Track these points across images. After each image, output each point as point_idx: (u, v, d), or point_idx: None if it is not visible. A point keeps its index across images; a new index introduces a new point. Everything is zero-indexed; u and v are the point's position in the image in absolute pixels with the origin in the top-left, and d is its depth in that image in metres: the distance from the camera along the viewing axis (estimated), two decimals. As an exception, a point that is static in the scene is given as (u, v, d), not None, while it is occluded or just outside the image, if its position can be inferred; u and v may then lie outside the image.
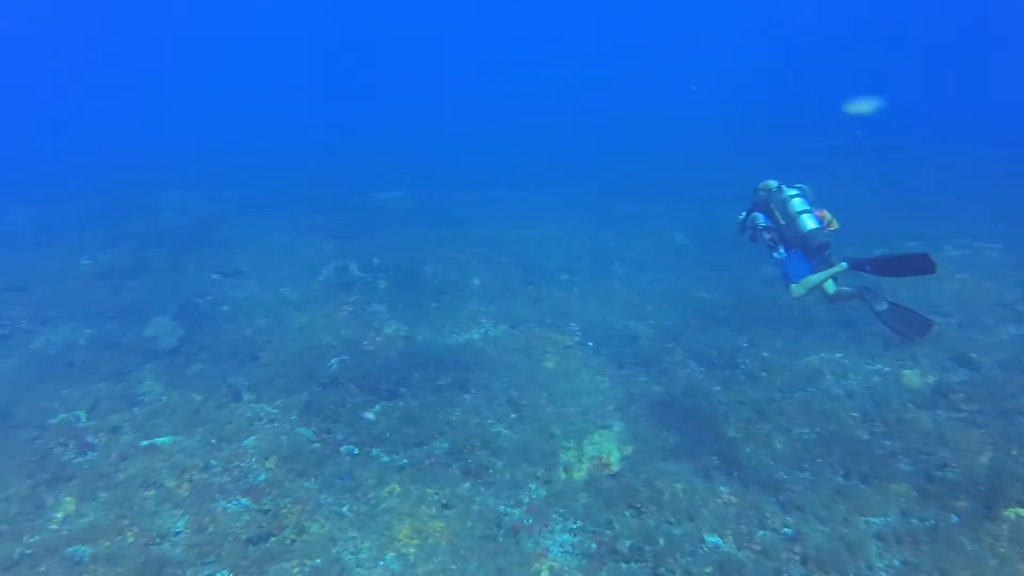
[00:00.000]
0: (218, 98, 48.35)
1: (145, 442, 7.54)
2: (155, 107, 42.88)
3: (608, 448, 7.71)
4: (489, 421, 8.33)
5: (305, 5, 71.96)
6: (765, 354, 10.07)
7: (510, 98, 48.20)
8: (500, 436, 8.02)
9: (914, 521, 6.32)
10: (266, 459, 7.23)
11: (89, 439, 7.69)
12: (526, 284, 13.14)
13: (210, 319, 11.69)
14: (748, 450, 7.75)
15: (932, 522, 6.25)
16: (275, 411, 8.35)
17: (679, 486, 7.00)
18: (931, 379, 8.92)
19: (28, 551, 5.96)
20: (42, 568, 5.75)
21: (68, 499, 6.63)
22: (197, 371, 9.71)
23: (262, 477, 6.97)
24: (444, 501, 6.78)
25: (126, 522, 6.28)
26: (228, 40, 70.20)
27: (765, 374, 9.50)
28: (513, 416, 8.49)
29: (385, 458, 7.47)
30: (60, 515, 6.45)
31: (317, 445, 7.56)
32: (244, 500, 6.62)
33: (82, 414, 8.33)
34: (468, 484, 7.11)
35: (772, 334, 10.88)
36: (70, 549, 5.95)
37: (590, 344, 10.53)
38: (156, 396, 8.87)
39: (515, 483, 7.22)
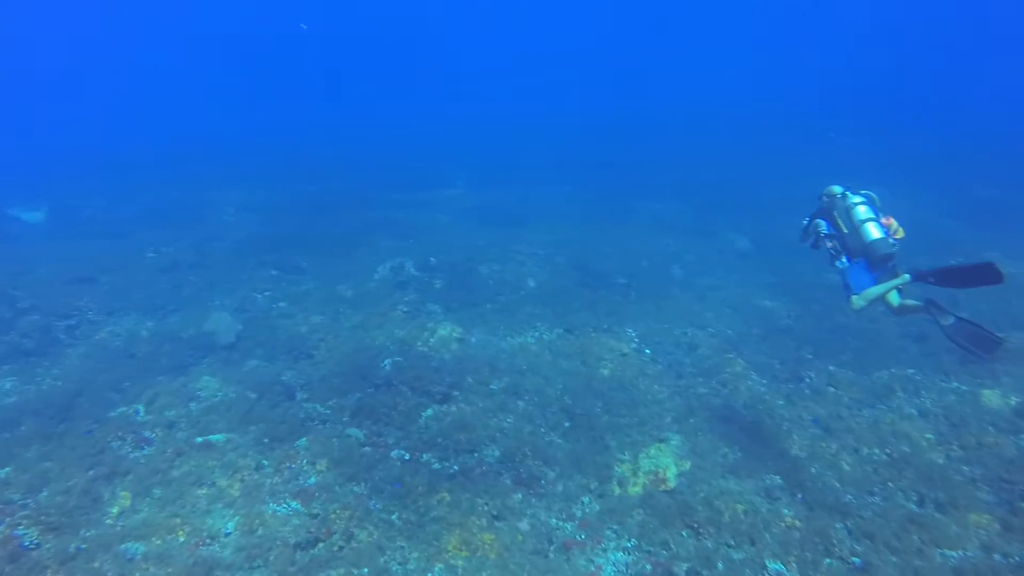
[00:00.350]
0: (279, 98, 49.06)
1: (200, 439, 7.58)
2: (228, 105, 43.75)
3: (665, 463, 7.43)
4: (542, 429, 8.14)
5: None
6: (831, 367, 9.64)
7: (557, 93, 47.64)
8: (553, 445, 7.83)
9: (997, 557, 5.89)
10: (317, 461, 7.18)
11: (146, 434, 7.78)
12: (582, 287, 12.89)
13: (267, 315, 11.79)
14: (813, 470, 7.39)
15: (1017, 559, 5.82)
16: (328, 412, 8.32)
17: (740, 507, 6.69)
18: (1013, 400, 8.37)
19: (84, 546, 6.03)
20: (96, 564, 5.80)
21: (123, 494, 6.70)
22: (252, 368, 9.77)
23: (312, 480, 6.93)
24: (495, 512, 6.62)
25: (178, 520, 6.30)
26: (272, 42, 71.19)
27: (832, 389, 9.08)
28: (567, 424, 8.28)
29: (436, 464, 7.34)
30: (115, 510, 6.52)
31: (368, 449, 7.49)
32: (294, 503, 6.57)
33: (141, 408, 8.45)
34: (519, 495, 6.93)
35: (839, 346, 10.42)
36: (123, 546, 6.00)
37: (647, 352, 10.23)
38: (212, 392, 8.93)
39: (567, 496, 7.02)
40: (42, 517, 6.38)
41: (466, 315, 11.47)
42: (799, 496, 6.99)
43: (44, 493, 6.83)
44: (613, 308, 11.83)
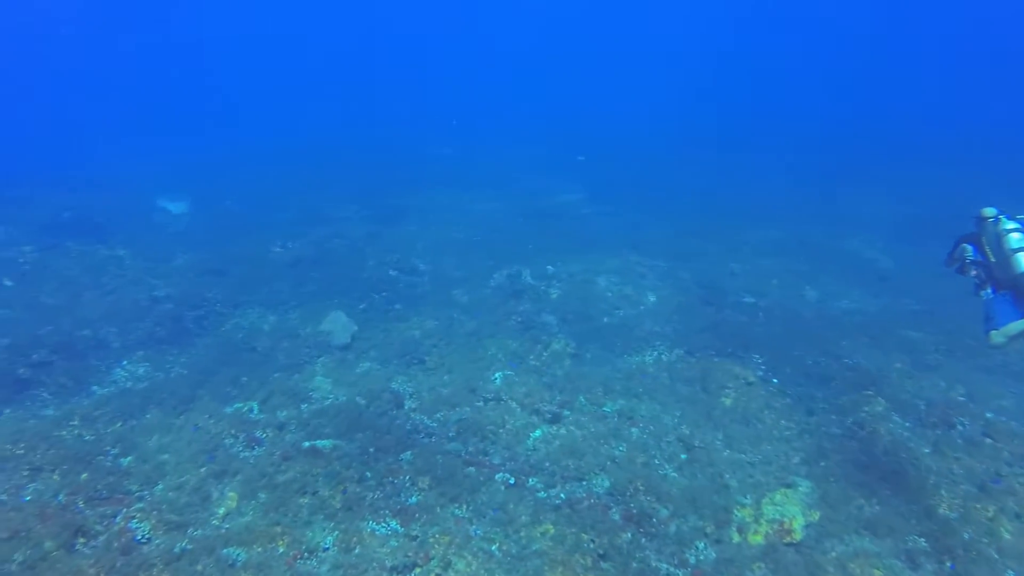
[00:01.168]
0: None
1: (307, 443, 7.56)
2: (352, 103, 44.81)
3: (791, 511, 6.74)
4: (656, 461, 7.62)
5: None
6: (989, 414, 8.53)
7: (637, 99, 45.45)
8: (667, 480, 7.29)
9: None
10: (420, 478, 6.98)
11: (258, 434, 7.85)
12: (706, 304, 12.18)
13: (384, 316, 11.84)
14: (966, 535, 6.49)
15: None
16: (434, 425, 8.14)
17: (877, 572, 5.95)
18: None
19: (189, 546, 6.07)
20: (199, 567, 5.81)
21: (231, 495, 6.74)
22: (364, 371, 9.78)
23: (414, 499, 6.73)
24: (601, 551, 6.17)
25: (279, 529, 6.24)
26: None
27: (989, 440, 8.01)
28: (683, 457, 7.72)
29: (541, 493, 6.98)
30: (222, 511, 6.56)
31: (472, 469, 7.21)
32: (393, 523, 6.39)
33: (255, 405, 8.58)
34: (628, 534, 6.45)
35: (998, 388, 9.29)
36: (225, 550, 5.99)
37: (775, 381, 9.45)
38: (324, 394, 8.98)
39: (681, 538, 6.48)
40: (155, 512, 6.52)
41: (582, 328, 11.06)
42: (948, 565, 6.15)
43: (160, 486, 7.00)
44: (738, 330, 11.07)
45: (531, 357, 9.87)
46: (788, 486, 7.11)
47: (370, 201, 20.11)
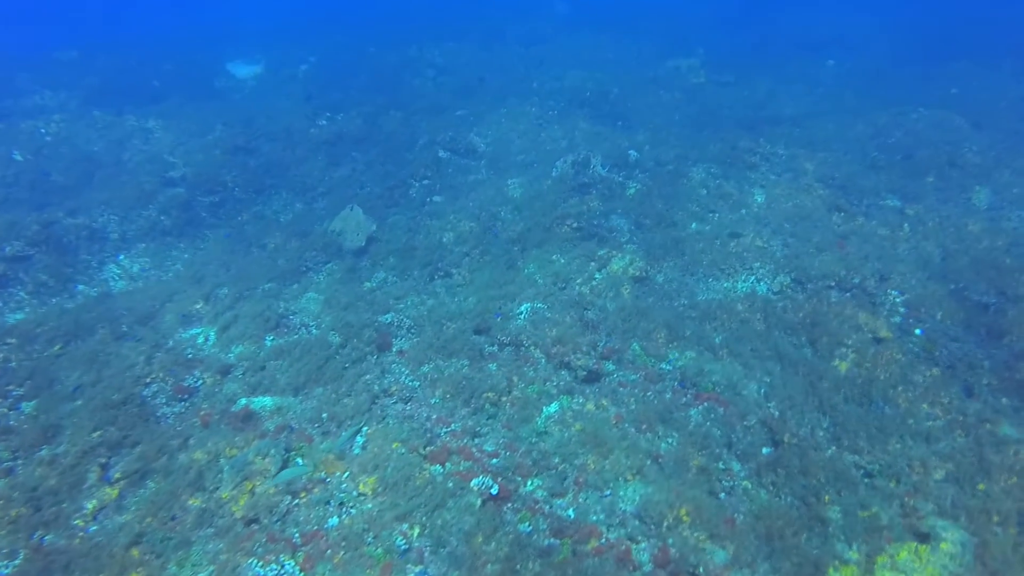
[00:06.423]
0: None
1: (244, 401, 5.68)
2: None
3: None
4: (722, 463, 5.24)
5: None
6: None
7: None
8: (736, 496, 4.94)
9: None
10: (363, 478, 4.92)
11: (191, 381, 6.04)
12: (834, 210, 9.13)
13: (417, 210, 9.68)
14: None
15: None
16: (414, 384, 6.02)
17: None
18: None
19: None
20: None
21: (117, 475, 4.99)
22: (370, 290, 7.78)
23: (333, 523, 4.72)
24: None
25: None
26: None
27: None
28: (764, 454, 5.31)
29: (543, 522, 4.78)
30: (91, 505, 4.83)
31: (439, 471, 5.09)
32: (289, 563, 4.43)
33: (213, 334, 6.79)
34: (655, 594, 4.23)
35: None
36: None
37: (918, 333, 6.65)
38: (303, 320, 7.07)
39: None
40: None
41: (658, 238, 8.47)
42: None
43: (43, 451, 5.37)
44: (876, 248, 8.12)
45: (578, 281, 7.46)
46: (923, 537, 4.56)
47: (454, 65, 17.56)
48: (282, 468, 4.78)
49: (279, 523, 4.48)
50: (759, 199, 9.40)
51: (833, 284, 7.39)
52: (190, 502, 4.59)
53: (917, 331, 6.69)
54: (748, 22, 21.97)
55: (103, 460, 5.04)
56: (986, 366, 6.15)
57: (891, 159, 10.62)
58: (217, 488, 4.70)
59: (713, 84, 15.44)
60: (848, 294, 7.22)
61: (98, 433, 5.23)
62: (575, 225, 8.56)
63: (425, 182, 10.48)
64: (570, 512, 4.77)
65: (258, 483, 4.62)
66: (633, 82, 15.11)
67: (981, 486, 4.97)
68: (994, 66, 15.92)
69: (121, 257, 9.17)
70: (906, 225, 8.76)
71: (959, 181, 9.95)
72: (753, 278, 7.66)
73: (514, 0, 25.74)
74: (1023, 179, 10.00)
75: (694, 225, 8.87)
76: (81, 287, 8.52)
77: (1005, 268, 7.58)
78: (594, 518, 4.71)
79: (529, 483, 4.99)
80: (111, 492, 4.76)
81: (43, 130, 12.28)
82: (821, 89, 14.86)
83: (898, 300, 7.13)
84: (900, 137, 11.51)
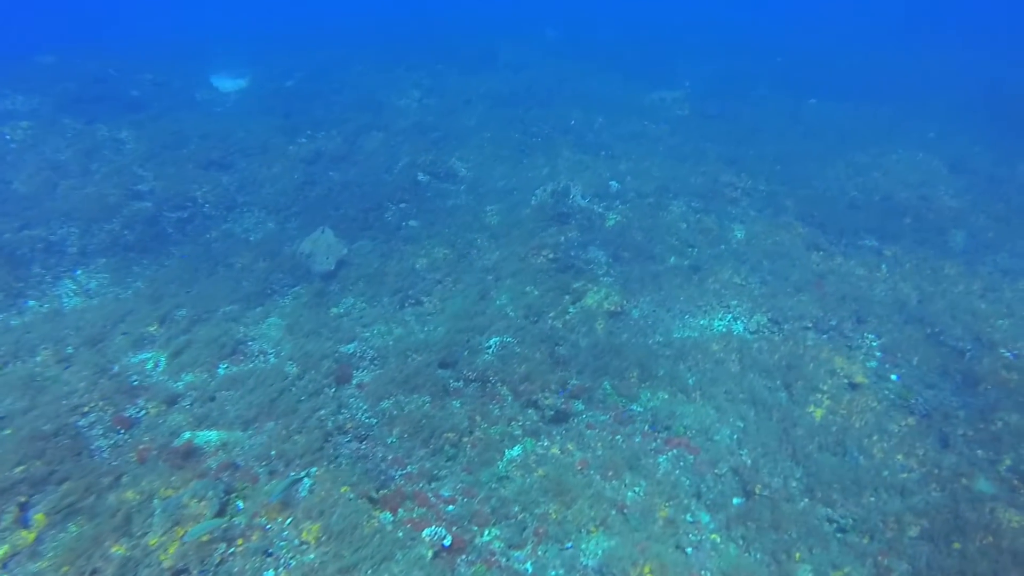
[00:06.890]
0: None
1: (187, 434, 5.36)
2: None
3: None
4: (689, 515, 4.99)
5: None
6: None
7: None
8: (702, 550, 4.68)
9: None
10: (306, 525, 4.60)
11: (132, 412, 5.71)
12: (813, 249, 9.00)
13: (392, 234, 9.42)
14: None
15: None
16: (372, 422, 5.72)
17: None
18: None
19: None
20: None
21: (37, 517, 4.63)
22: (336, 317, 7.51)
23: (298, 561, 4.40)
24: None
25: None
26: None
27: None
28: (735, 505, 5.06)
29: (501, 558, 4.52)
30: (24, 536, 4.48)
31: (388, 516, 4.79)
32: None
33: (164, 360, 6.46)
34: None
35: None
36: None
37: (894, 379, 6.48)
38: (258, 350, 6.76)
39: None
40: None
41: (636, 271, 8.27)
42: None
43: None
44: (854, 290, 7.96)
45: (551, 315, 7.23)
46: (896, 596, 4.33)
47: (441, 87, 17.38)
48: (218, 514, 4.45)
49: (210, 575, 4.15)
50: (739, 235, 9.25)
51: (810, 325, 7.22)
52: (113, 549, 4.25)
53: (893, 376, 6.52)
54: (741, 51, 21.97)
55: (22, 499, 4.68)
56: (961, 416, 5.97)
57: (869, 199, 10.52)
58: (146, 533, 4.36)
59: (698, 116, 15.34)
60: (825, 336, 7.04)
61: (21, 468, 4.87)
62: (551, 256, 8.34)
63: (402, 205, 10.24)
64: (528, 566, 4.49)
65: (190, 529, 4.30)
66: (618, 112, 14.98)
67: (956, 545, 4.75)
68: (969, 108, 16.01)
69: (78, 272, 8.81)
70: (883, 266, 8.63)
71: (935, 223, 9.85)
72: (730, 316, 7.48)
73: (506, 26, 25.71)
74: (998, 224, 9.94)
75: (672, 259, 8.69)
76: (32, 303, 8.15)
77: (980, 313, 7.45)
78: (553, 573, 4.43)
79: (486, 533, 4.71)
80: (27, 536, 4.40)
81: (8, 136, 11.93)
82: (802, 127, 14.81)
83: (874, 344, 6.97)
84: (878, 177, 11.42)
